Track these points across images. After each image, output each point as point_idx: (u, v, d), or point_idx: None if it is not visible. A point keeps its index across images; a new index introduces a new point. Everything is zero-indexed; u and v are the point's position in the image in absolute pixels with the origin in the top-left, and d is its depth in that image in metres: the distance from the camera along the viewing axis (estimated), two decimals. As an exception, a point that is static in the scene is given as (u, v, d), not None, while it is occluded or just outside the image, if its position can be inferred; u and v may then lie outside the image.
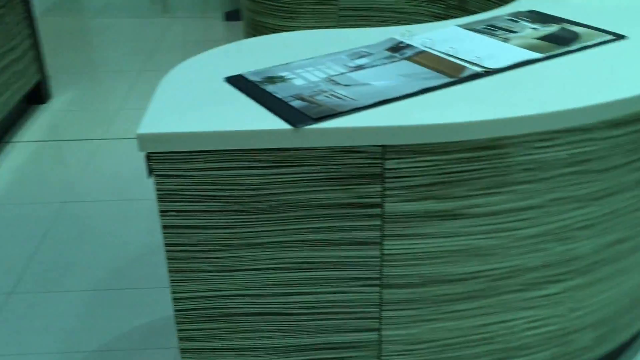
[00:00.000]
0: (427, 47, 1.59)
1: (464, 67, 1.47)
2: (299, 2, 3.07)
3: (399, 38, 1.66)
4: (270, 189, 1.29)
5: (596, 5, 1.89)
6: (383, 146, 1.27)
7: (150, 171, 1.28)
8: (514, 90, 1.36)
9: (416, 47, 1.59)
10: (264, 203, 1.31)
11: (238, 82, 1.42)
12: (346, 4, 3.06)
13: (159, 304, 2.17)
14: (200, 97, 1.36)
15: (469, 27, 1.74)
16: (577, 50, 1.57)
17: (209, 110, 1.30)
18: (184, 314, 1.41)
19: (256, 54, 1.58)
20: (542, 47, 1.58)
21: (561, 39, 1.64)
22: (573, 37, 1.64)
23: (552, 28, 1.71)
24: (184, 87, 1.41)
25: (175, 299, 1.39)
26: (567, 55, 1.54)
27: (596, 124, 1.36)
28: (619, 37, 1.64)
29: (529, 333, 1.57)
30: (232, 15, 5.15)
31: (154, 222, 2.62)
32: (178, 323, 1.42)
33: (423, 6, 2.95)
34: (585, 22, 1.74)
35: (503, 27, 1.73)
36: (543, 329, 1.58)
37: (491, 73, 1.45)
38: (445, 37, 1.66)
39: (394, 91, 1.36)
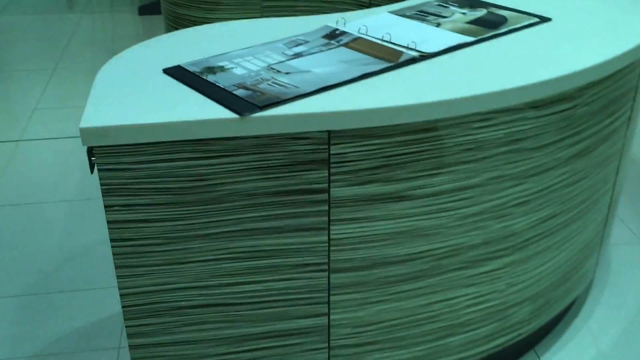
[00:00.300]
0: (362, 33, 1.61)
1: (401, 52, 1.50)
2: (223, -7, 3.04)
3: (334, 25, 1.67)
4: (217, 178, 1.28)
5: (519, -9, 1.96)
6: (328, 132, 1.28)
7: (93, 166, 1.25)
8: (450, 73, 1.40)
9: (351, 34, 1.61)
10: (212, 193, 1.29)
11: (177, 73, 1.40)
12: (271, -6, 3.05)
13: (93, 306, 2.11)
14: (140, 90, 1.33)
15: (400, 13, 1.77)
16: (506, 33, 1.62)
17: (152, 102, 1.28)
18: (132, 310, 1.38)
19: (190, 45, 1.56)
20: (472, 31, 1.63)
21: (490, 22, 1.69)
22: (501, 21, 1.70)
23: (480, 12, 1.77)
24: (122, 80, 1.37)
25: (123, 295, 1.36)
26: (498, 38, 1.59)
27: (528, 103, 1.42)
28: (545, 19, 1.71)
29: (470, 310, 1.62)
30: (146, 9, 5.03)
31: (77, 224, 2.54)
32: (127, 319, 1.39)
33: (348, -5, 2.98)
34: (509, 6, 1.81)
35: (433, 12, 1.77)
36: (484, 305, 1.63)
37: (427, 57, 1.49)
38: (379, 23, 1.69)
39: (335, 77, 1.38)
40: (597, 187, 1.74)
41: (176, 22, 3.27)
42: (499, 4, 1.83)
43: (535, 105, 1.43)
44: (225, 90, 1.31)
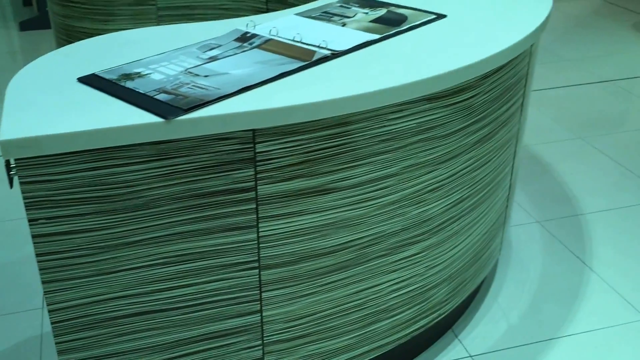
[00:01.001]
0: (273, 35, 1.65)
1: (313, 52, 1.55)
2: (114, 3, 2.99)
3: (244, 28, 1.70)
4: (144, 184, 1.28)
5: (413, -9, 2.07)
6: (253, 130, 1.31)
7: (12, 180, 1.22)
8: (362, 69, 1.47)
9: (263, 36, 1.65)
10: (139, 199, 1.29)
11: (93, 81, 1.39)
12: (165, 3, 3.03)
13: (6, 331, 2.03)
14: (56, 99, 1.31)
15: (306, 15, 1.82)
16: (407, 30, 1.71)
17: (71, 110, 1.26)
18: (62, 325, 1.35)
19: (100, 54, 1.55)
20: (376, 29, 1.71)
21: (392, 20, 1.77)
22: (402, 19, 1.79)
23: (381, 11, 1.85)
24: (35, 91, 1.34)
25: (51, 310, 1.33)
26: (400, 35, 1.67)
27: (436, 93, 1.51)
28: (441, 16, 1.82)
29: (394, 295, 1.69)
30: (28, 25, 4.84)
31: (-13, 246, 2.43)
32: (57, 335, 1.36)
33: (244, 1, 3.01)
34: (407, 5, 1.90)
35: (337, 13, 1.84)
36: (406, 290, 1.71)
37: (338, 55, 1.55)
38: (288, 25, 1.73)
39: (254, 78, 1.41)
40: (498, 170, 1.86)
41: (69, 35, 3.18)
42: (398, 3, 1.93)
43: (442, 96, 1.52)
44: (146, 95, 1.31)
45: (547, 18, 1.84)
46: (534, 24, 1.76)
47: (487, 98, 1.65)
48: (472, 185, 1.74)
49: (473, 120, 1.64)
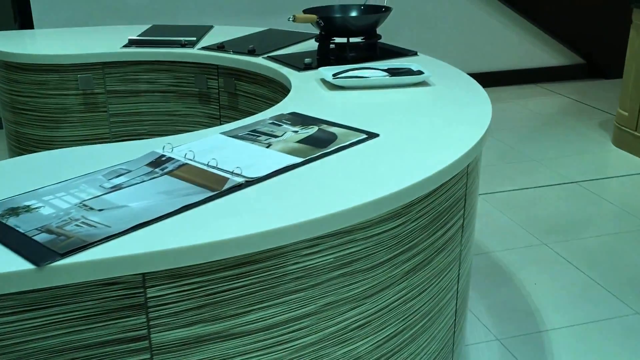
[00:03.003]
0: (189, 159, 1.56)
1: (225, 179, 1.45)
2: (65, 110, 2.92)
3: (160, 151, 1.60)
4: (17, 337, 1.14)
5: (354, 104, 1.99)
6: (143, 274, 1.19)
7: None
8: (275, 200, 1.36)
9: (178, 160, 1.55)
10: (11, 355, 1.15)
11: (-26, 217, 1.27)
12: (116, 110, 2.97)
13: None
14: None
15: (232, 134, 1.74)
16: (333, 151, 1.62)
17: None
18: None
19: (4, 179, 1.44)
20: (301, 151, 1.62)
21: (320, 140, 1.69)
22: (331, 139, 1.70)
23: (311, 130, 1.77)
24: None
25: None
26: (325, 158, 1.58)
27: (356, 225, 1.40)
28: (373, 135, 1.73)
29: None
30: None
31: None
32: None
33: (196, 107, 2.95)
34: (341, 122, 1.82)
35: (266, 131, 1.75)
36: None
37: (252, 182, 1.44)
38: (208, 146, 1.64)
39: (153, 212, 1.29)
40: (439, 298, 1.73)
41: (19, 142, 3.10)
42: (331, 120, 1.85)
43: (363, 227, 1.41)
44: (25, 235, 1.19)
45: (484, 137, 1.76)
46: (469, 143, 1.67)
47: (416, 225, 1.54)
48: (406, 318, 1.60)
49: (402, 250, 1.52)
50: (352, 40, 2.67)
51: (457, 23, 5.54)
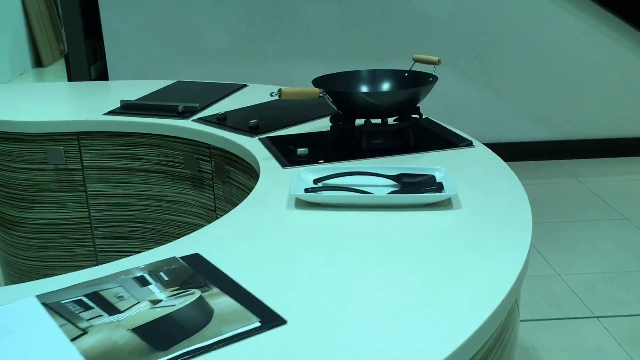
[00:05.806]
0: None
1: None
2: (37, 188, 2.40)
3: None
4: None
5: (319, 233, 1.25)
6: None
7: None
8: None
9: None
10: None
11: None
12: (96, 190, 2.40)
13: None
14: None
15: (52, 300, 1.05)
16: (179, 356, 0.89)
17: None
18: None
19: None
20: (120, 356, 0.90)
21: (175, 327, 0.96)
22: (198, 325, 0.97)
23: (183, 301, 1.05)
24: None
25: None
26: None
27: None
28: (275, 321, 0.98)
29: None
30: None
31: None
32: None
33: (189, 194, 2.33)
34: (253, 285, 1.09)
35: (111, 298, 1.06)
36: None
37: None
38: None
39: None
40: None
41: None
42: (239, 277, 1.11)
43: None
44: None
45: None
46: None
47: None
48: None
49: None
50: (375, 120, 1.91)
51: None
